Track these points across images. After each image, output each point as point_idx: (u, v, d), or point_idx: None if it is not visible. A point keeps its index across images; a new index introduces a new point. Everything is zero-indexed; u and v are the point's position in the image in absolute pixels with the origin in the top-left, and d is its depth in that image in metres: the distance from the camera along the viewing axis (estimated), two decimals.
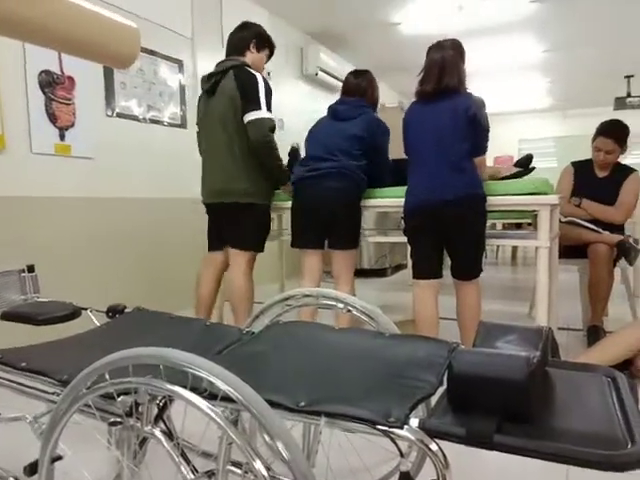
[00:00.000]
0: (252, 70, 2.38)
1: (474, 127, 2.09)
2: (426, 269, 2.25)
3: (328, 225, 2.37)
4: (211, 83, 2.40)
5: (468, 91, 2.16)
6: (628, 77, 7.46)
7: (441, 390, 0.85)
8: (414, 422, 0.72)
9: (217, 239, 2.58)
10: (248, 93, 2.29)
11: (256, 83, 2.30)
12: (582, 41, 6.03)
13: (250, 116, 2.29)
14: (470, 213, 2.13)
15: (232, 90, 2.32)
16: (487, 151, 2.21)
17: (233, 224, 2.45)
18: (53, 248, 2.84)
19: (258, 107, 2.28)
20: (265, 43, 2.50)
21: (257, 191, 2.42)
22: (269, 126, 2.31)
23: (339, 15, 5.09)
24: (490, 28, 5.45)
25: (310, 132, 2.55)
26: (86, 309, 1.48)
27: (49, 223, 2.83)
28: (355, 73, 2.58)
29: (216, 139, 2.40)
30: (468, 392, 0.71)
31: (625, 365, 2.09)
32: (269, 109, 2.32)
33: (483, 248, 2.24)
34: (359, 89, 2.50)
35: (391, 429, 0.71)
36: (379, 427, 0.71)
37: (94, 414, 0.92)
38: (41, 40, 0.58)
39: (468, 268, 2.21)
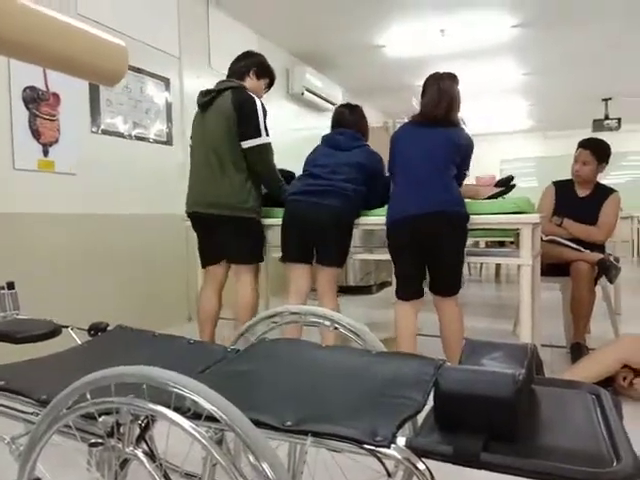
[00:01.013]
0: (249, 92, 2.42)
1: (461, 160, 2.24)
2: (409, 290, 2.29)
3: (318, 240, 2.40)
4: (206, 99, 2.44)
5: (463, 127, 2.31)
6: (605, 100, 7.69)
7: (427, 408, 0.84)
8: (401, 441, 0.71)
9: (214, 252, 2.55)
10: (247, 117, 2.34)
11: (255, 107, 2.35)
12: (561, 65, 6.21)
13: (250, 143, 2.36)
14: (452, 228, 2.18)
15: (228, 110, 2.35)
16: (461, 186, 2.36)
17: (233, 239, 2.45)
18: (35, 264, 2.80)
19: (258, 133, 2.36)
20: (265, 72, 2.56)
21: (253, 207, 2.46)
22: (271, 151, 2.43)
23: (325, 37, 5.18)
24: (472, 51, 5.59)
25: (308, 157, 2.57)
26: (67, 327, 1.45)
27: (31, 239, 2.79)
28: (348, 107, 2.64)
29: (211, 154, 2.41)
30: (455, 410, 0.71)
31: (608, 382, 2.11)
32: (268, 133, 2.40)
33: (462, 265, 2.27)
34: (354, 123, 2.58)
35: (378, 448, 0.71)
36: (366, 446, 0.71)
37: (74, 435, 0.90)
38: (29, 57, 0.58)
39: (448, 284, 2.24)
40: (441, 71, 2.34)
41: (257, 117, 2.35)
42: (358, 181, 2.40)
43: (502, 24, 4.84)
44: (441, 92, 2.24)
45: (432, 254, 2.21)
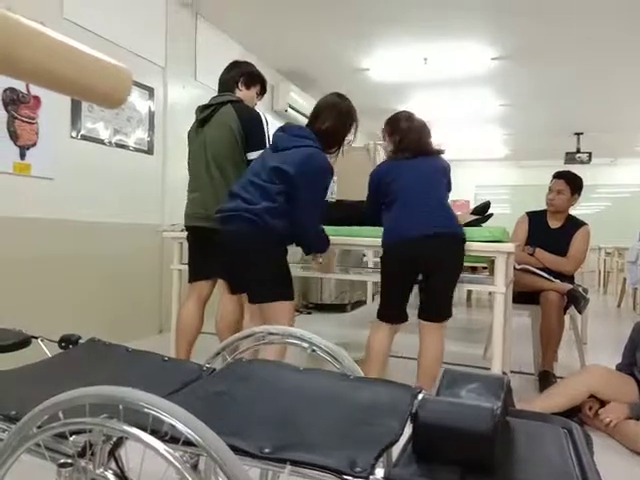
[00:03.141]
0: (252, 107, 2.45)
1: (447, 183, 2.32)
2: (395, 313, 2.26)
3: (238, 274, 2.16)
4: (206, 114, 2.43)
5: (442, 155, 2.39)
6: (578, 134, 7.98)
7: (404, 437, 0.85)
8: (379, 472, 0.71)
9: (207, 268, 2.48)
10: (254, 130, 2.36)
11: (260, 121, 2.39)
12: (537, 98, 6.43)
13: (256, 155, 2.30)
14: (455, 249, 2.20)
15: (234, 123, 2.35)
16: None
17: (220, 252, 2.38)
18: (5, 271, 2.71)
19: (264, 146, 2.34)
20: (255, 80, 2.55)
21: None
22: None
23: (311, 57, 5.25)
24: (453, 81, 5.74)
25: None
26: (37, 338, 1.41)
27: (3, 244, 2.71)
28: (333, 95, 2.22)
29: (213, 168, 2.39)
30: (434, 442, 0.72)
31: (574, 411, 2.15)
32: None
33: (454, 289, 2.26)
34: (313, 114, 2.18)
35: (356, 479, 0.71)
36: (345, 477, 0.71)
37: (42, 453, 0.87)
38: (32, 79, 0.58)
39: (442, 308, 2.21)
40: (415, 105, 2.50)
41: (263, 131, 2.38)
42: (272, 195, 1.97)
43: (483, 56, 4.99)
44: (419, 128, 2.35)
45: (434, 276, 2.18)
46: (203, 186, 2.42)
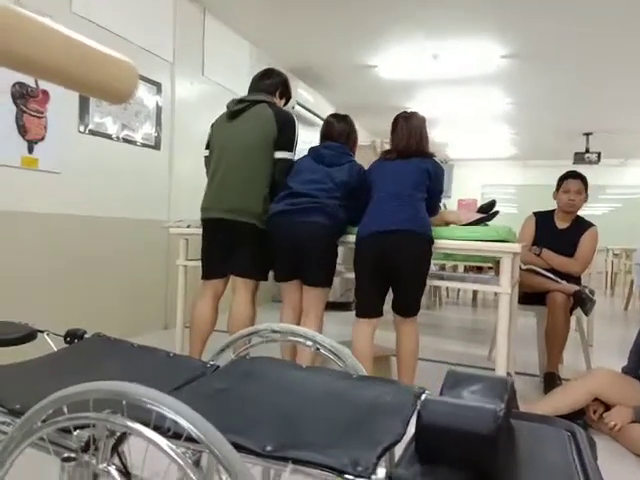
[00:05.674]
0: (287, 111, 2.53)
1: (432, 183, 2.34)
2: (367, 308, 2.34)
3: (303, 259, 2.37)
4: (239, 107, 2.46)
5: (434, 158, 2.43)
6: (587, 134, 7.92)
7: (406, 437, 0.85)
8: (381, 472, 0.71)
9: (223, 265, 2.48)
10: (286, 133, 2.45)
11: (295, 125, 2.49)
12: (546, 98, 6.38)
13: (284, 155, 2.46)
14: (416, 248, 2.24)
15: (268, 121, 2.41)
16: (439, 211, 2.49)
17: (241, 248, 2.41)
18: (11, 264, 2.73)
19: (291, 149, 2.49)
20: (287, 92, 2.66)
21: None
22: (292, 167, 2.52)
23: (319, 54, 5.23)
24: (462, 78, 5.71)
25: (293, 168, 2.51)
26: (43, 332, 1.42)
27: (9, 238, 2.73)
28: (337, 117, 2.63)
29: (241, 161, 2.41)
30: (436, 443, 0.72)
31: (578, 414, 2.14)
32: (295, 152, 2.52)
33: (423, 288, 2.33)
34: (342, 134, 2.56)
35: (358, 478, 0.71)
36: (347, 476, 0.71)
37: (47, 448, 0.87)
38: (38, 73, 0.58)
39: (407, 305, 2.30)
40: (409, 110, 2.52)
41: (294, 134, 2.48)
42: (342, 198, 2.40)
43: (492, 53, 4.97)
44: (410, 129, 2.39)
45: (395, 272, 2.26)
46: (228, 179, 2.42)
